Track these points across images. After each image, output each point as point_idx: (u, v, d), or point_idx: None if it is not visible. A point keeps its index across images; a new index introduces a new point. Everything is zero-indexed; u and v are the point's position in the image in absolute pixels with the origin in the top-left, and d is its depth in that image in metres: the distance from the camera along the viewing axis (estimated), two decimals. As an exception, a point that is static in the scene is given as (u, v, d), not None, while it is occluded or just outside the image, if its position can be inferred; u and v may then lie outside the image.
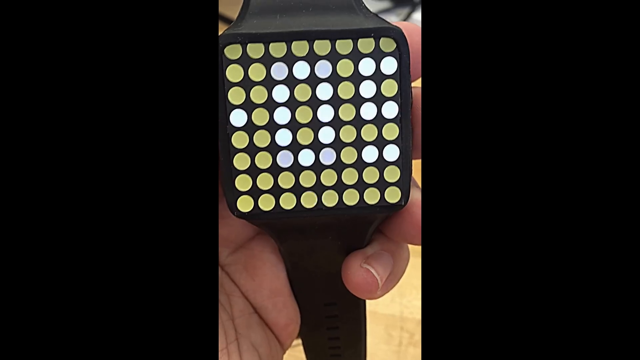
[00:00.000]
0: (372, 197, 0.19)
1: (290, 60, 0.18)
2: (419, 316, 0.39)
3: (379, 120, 0.19)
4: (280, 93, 0.18)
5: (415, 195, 0.20)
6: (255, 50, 0.18)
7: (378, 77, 0.18)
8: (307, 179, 0.19)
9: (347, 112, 0.19)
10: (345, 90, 0.18)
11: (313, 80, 0.18)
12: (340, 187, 0.19)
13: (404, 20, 0.64)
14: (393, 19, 0.64)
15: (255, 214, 0.19)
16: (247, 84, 0.18)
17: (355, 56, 0.18)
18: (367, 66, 0.18)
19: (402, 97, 0.19)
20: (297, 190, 0.19)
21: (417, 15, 0.65)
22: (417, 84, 0.20)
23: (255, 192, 0.19)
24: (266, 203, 0.19)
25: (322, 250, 0.22)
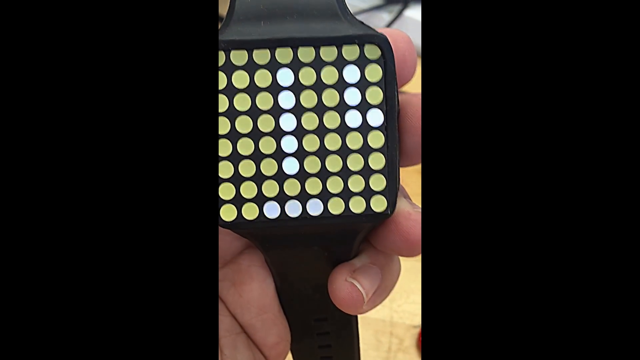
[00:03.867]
0: (357, 206, 0.19)
1: (274, 67, 0.18)
2: (408, 321, 0.39)
3: (364, 128, 0.18)
4: (264, 100, 0.18)
5: (402, 205, 0.20)
6: (239, 57, 0.18)
7: (363, 84, 0.18)
8: (292, 188, 0.19)
9: (331, 120, 0.18)
10: (330, 97, 0.18)
11: (297, 88, 0.18)
12: (325, 195, 0.19)
13: (396, 17, 0.63)
14: (384, 16, 0.64)
15: (239, 223, 0.19)
16: (230, 91, 0.18)
17: (340, 63, 0.18)
18: (351, 73, 0.18)
19: (388, 105, 0.18)
20: (282, 199, 0.19)
21: (409, 12, 0.64)
22: (415, 89, 0.20)
23: (238, 201, 0.19)
24: (250, 212, 0.19)
25: (309, 261, 0.21)
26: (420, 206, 0.20)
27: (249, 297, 0.23)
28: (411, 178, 0.35)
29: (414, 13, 0.64)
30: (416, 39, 0.65)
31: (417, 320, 0.39)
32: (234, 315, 0.24)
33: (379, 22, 0.63)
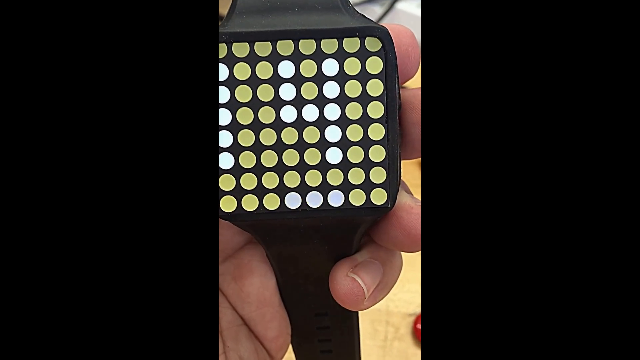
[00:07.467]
0: (357, 198, 0.19)
1: (275, 59, 0.18)
2: (404, 310, 0.39)
3: (365, 121, 0.18)
4: (265, 92, 0.18)
5: (404, 199, 0.20)
6: (240, 49, 0.18)
7: (363, 76, 0.18)
8: (292, 180, 0.19)
9: (332, 112, 0.18)
10: (330, 89, 0.18)
11: (298, 80, 0.18)
12: (325, 187, 0.19)
13: (387, 10, 0.63)
14: (376, 9, 0.64)
15: (238, 215, 0.19)
16: (232, 82, 0.18)
17: (341, 55, 0.18)
18: (352, 66, 0.18)
19: (388, 97, 0.18)
20: (281, 190, 0.19)
21: (400, 5, 0.64)
22: (416, 85, 0.20)
23: (238, 192, 0.19)
24: (249, 203, 0.19)
25: (309, 255, 0.21)
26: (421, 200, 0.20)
27: (249, 290, 0.23)
28: (408, 168, 0.35)
29: (406, 5, 0.65)
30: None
31: (412, 308, 0.39)
32: (235, 309, 0.24)
33: (370, 14, 0.63)
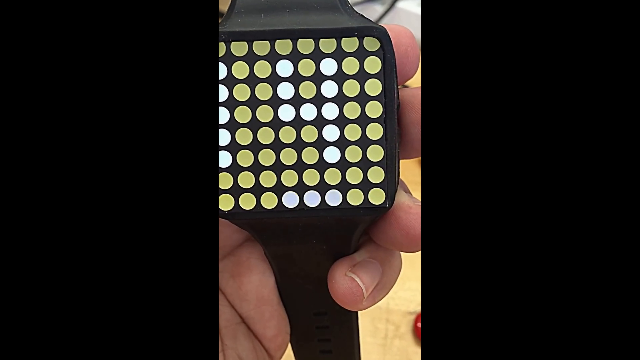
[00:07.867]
0: (355, 198, 0.19)
1: (273, 58, 0.18)
2: (404, 308, 0.39)
3: (363, 120, 0.18)
4: (263, 91, 0.18)
5: (403, 199, 0.20)
6: (239, 48, 0.18)
7: (362, 76, 0.18)
8: (289, 178, 0.19)
9: (330, 111, 0.18)
10: (329, 89, 0.18)
11: (296, 79, 0.18)
12: (322, 187, 0.19)
13: (388, 9, 0.63)
14: (377, 8, 0.64)
15: (236, 213, 0.19)
16: (230, 81, 0.18)
17: (339, 55, 0.18)
18: (350, 65, 0.18)
19: (387, 97, 0.18)
20: (279, 189, 0.19)
21: (401, 4, 0.64)
22: (416, 84, 0.20)
23: (236, 191, 0.19)
24: (247, 202, 0.19)
25: (308, 255, 0.21)
26: (420, 199, 0.20)
27: (247, 288, 0.23)
28: (408, 166, 0.35)
29: (407, 4, 0.65)
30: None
31: (413, 306, 0.39)
32: (233, 307, 0.24)
33: (372, 13, 0.63)
